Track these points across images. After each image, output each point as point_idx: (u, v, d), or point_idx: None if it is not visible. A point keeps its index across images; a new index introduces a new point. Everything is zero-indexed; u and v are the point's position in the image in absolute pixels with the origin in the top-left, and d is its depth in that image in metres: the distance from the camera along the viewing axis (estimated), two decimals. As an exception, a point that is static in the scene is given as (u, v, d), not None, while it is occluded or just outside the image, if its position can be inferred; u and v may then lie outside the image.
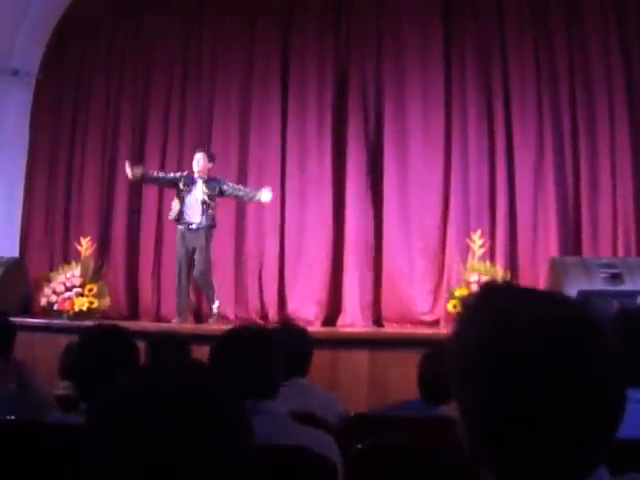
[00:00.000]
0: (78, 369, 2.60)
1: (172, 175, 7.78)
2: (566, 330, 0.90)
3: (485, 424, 0.92)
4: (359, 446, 2.16)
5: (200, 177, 7.64)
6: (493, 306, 0.96)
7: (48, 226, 9.28)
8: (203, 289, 7.85)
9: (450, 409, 3.00)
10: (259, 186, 7.80)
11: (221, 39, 9.12)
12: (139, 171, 7.62)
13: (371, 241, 8.35)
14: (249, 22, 9.02)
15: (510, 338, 0.90)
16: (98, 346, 2.62)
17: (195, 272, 7.64)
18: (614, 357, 0.92)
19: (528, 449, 0.89)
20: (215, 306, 7.66)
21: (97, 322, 4.21)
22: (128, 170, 7.57)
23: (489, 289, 1.01)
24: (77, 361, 2.62)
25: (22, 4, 8.65)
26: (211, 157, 7.81)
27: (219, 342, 2.44)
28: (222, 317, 8.34)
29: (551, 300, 0.96)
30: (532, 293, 0.99)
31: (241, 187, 7.80)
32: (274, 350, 2.47)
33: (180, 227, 7.64)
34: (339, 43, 8.78)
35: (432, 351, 3.24)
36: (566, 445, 0.89)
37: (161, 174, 7.89)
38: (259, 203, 7.75)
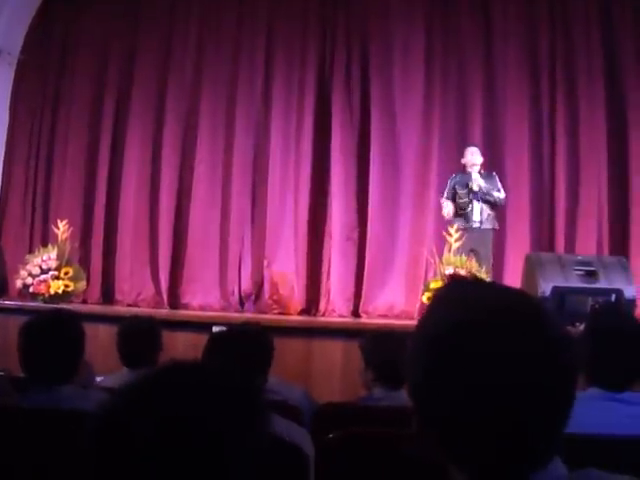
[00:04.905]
0: (21, 351, 2.61)
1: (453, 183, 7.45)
2: (513, 318, 0.95)
3: (430, 407, 0.96)
4: (330, 436, 2.18)
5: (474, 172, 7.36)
6: (453, 297, 1.01)
7: (27, 208, 9.19)
8: None
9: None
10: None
11: (208, 17, 9.04)
12: None
13: (354, 232, 8.40)
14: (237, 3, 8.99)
15: (462, 326, 0.95)
16: (42, 329, 2.62)
17: None
18: (561, 347, 0.95)
19: (481, 439, 0.92)
20: None
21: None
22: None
23: (454, 282, 1.07)
24: (21, 343, 2.61)
25: (5, -17, 8.55)
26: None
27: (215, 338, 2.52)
28: (203, 306, 8.35)
29: (506, 292, 1.01)
30: (491, 286, 1.05)
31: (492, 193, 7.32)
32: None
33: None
34: (324, 24, 8.79)
35: (377, 336, 3.25)
36: (513, 432, 0.92)
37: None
38: None
